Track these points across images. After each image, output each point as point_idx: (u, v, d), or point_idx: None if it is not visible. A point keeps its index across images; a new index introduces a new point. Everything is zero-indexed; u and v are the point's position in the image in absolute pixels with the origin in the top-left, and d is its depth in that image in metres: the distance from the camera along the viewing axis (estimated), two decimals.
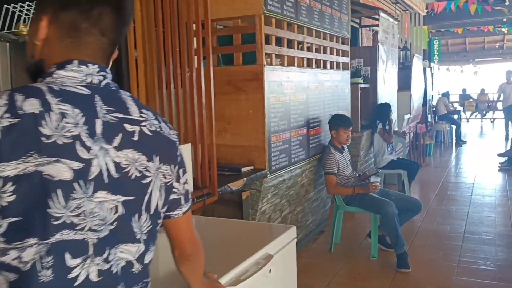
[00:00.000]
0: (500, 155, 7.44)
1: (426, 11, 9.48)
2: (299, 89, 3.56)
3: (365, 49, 5.99)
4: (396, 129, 6.74)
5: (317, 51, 4.02)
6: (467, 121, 15.88)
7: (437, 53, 14.21)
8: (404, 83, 8.03)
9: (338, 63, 4.48)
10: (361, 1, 6.91)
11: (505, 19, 12.09)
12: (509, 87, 10.06)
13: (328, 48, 4.22)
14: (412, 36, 10.15)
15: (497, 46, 17.23)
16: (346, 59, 4.66)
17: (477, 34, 15.83)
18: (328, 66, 4.24)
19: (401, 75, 8.23)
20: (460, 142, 10.29)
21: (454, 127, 10.53)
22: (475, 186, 6.29)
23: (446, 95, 11.04)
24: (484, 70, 19.50)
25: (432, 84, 10.52)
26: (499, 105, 13.70)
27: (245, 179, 2.78)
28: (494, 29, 13.76)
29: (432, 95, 10.62)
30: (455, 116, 11.18)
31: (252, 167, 3.05)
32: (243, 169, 2.95)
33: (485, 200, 5.53)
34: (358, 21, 7.19)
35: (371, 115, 5.62)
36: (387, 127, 5.46)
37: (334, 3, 4.24)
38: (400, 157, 5.89)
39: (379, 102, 5.87)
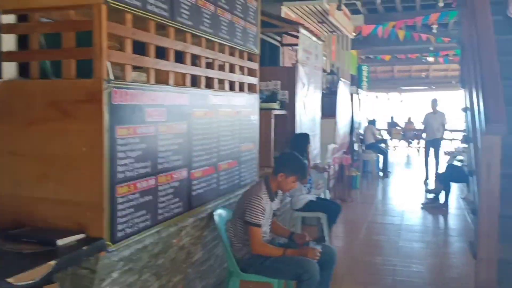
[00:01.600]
0: (429, 191, 6.92)
1: (354, 34, 9.01)
2: (176, 116, 2.57)
3: (283, 69, 5.19)
4: (318, 161, 5.97)
5: (210, 66, 3.07)
6: (394, 149, 15.79)
7: (366, 79, 14.02)
8: (330, 110, 7.38)
9: (242, 83, 3.57)
10: (282, 16, 6.17)
11: (431, 48, 12.08)
12: (434, 118, 8.94)
13: (228, 65, 3.29)
14: (340, 60, 9.67)
15: (423, 75, 17.54)
16: (253, 80, 3.77)
17: (405, 62, 15.97)
18: (227, 87, 3.31)
19: (327, 101, 7.59)
20: (386, 172, 9.83)
21: (381, 156, 10.08)
22: (403, 227, 5.61)
23: (373, 123, 10.62)
24: (410, 99, 19.84)
25: (360, 111, 10.05)
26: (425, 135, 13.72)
27: (53, 262, 1.71)
28: (421, 57, 13.81)
29: (360, 123, 10.15)
30: (383, 145, 10.79)
31: (83, 235, 1.99)
32: (61, 242, 1.88)
33: (414, 247, 4.82)
34: (279, 38, 6.42)
35: (287, 147, 4.77)
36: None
37: (236, 8, 3.33)
38: (321, 196, 5.07)
39: (298, 131, 5.05)
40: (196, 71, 2.85)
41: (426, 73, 17.46)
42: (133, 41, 2.23)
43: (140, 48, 2.32)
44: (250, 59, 3.67)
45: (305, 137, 4.77)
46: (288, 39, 6.47)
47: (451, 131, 16.41)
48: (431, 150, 8.89)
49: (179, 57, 2.67)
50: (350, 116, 8.61)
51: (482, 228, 2.44)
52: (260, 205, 2.83)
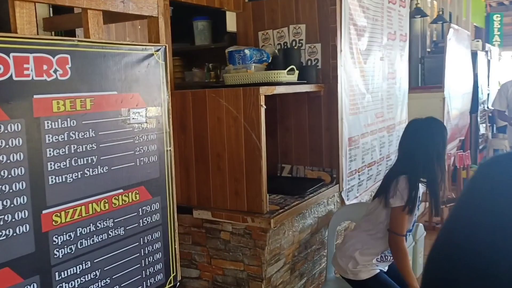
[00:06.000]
0: None
1: None
2: None
3: (310, 2, 2.59)
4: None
5: None
6: None
7: (499, 33, 10.37)
8: (434, 78, 4.62)
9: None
10: None
11: None
12: None
13: None
14: (458, 5, 6.60)
15: None
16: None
17: None
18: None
19: (430, 63, 4.86)
20: None
21: None
22: None
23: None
24: None
25: (489, 78, 6.83)
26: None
27: None
28: None
29: (488, 94, 6.92)
30: None
31: None
32: None
33: None
34: None
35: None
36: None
37: None
38: None
39: (346, 120, 2.51)
40: None
41: None
42: None
43: None
44: None
45: (440, 131, 2.11)
46: None
47: None
48: None
49: None
50: (470, 85, 5.58)
51: None
52: None
